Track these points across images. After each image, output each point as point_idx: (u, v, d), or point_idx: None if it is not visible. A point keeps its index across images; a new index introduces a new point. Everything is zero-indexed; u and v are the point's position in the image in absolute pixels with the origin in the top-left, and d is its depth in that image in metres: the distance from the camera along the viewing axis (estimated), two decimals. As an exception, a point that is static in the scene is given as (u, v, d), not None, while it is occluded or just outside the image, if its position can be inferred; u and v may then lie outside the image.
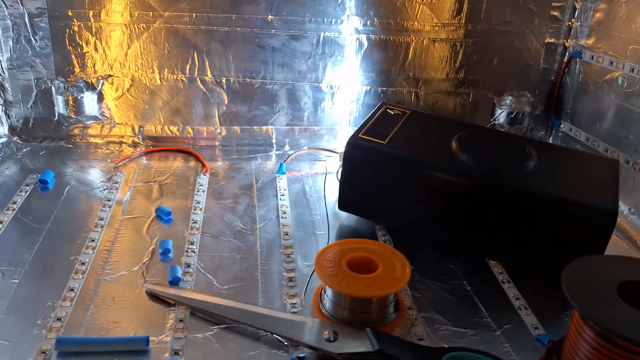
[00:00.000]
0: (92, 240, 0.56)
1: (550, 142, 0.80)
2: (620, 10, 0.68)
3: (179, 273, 0.51)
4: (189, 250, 0.55)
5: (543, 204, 0.49)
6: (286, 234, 0.59)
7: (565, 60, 0.77)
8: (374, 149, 0.53)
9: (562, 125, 0.79)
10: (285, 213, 0.63)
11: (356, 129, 0.56)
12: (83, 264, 0.52)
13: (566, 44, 0.77)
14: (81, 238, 0.56)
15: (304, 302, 0.48)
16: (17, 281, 0.50)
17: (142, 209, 0.62)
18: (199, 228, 0.59)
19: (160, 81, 0.72)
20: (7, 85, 0.71)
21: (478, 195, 0.51)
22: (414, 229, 0.57)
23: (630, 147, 0.65)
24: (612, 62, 0.69)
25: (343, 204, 0.60)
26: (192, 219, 0.61)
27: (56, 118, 0.73)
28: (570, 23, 0.76)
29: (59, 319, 0.45)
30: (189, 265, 0.53)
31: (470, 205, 0.52)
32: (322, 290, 0.47)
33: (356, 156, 0.54)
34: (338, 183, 0.59)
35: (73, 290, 0.49)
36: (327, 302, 0.46)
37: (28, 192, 0.64)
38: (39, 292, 0.48)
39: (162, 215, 0.60)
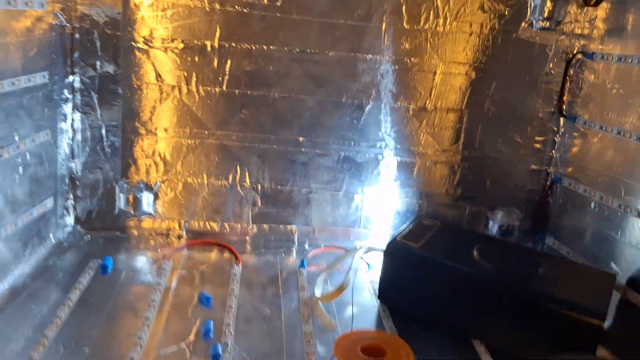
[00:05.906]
0: (147, 319, 0.67)
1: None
2: (592, 147, 0.82)
3: (220, 350, 0.62)
4: (227, 332, 0.66)
5: (545, 302, 0.61)
6: (307, 321, 0.70)
7: (548, 184, 0.91)
8: (409, 251, 0.69)
9: (547, 239, 0.91)
10: (305, 303, 0.74)
11: (396, 234, 0.73)
12: (140, 338, 0.63)
13: (548, 170, 0.91)
14: (138, 316, 0.67)
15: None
16: (87, 351, 0.61)
17: (186, 294, 0.73)
18: (234, 313, 0.70)
19: (207, 186, 0.87)
20: (78, 183, 0.86)
21: (492, 293, 0.64)
22: (432, 318, 0.69)
23: (606, 265, 0.75)
24: (585, 190, 0.82)
25: (382, 294, 0.73)
26: (228, 304, 0.72)
27: (116, 212, 0.87)
28: (551, 153, 0.91)
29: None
30: (227, 345, 0.64)
31: (483, 300, 0.65)
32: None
33: (394, 256, 0.70)
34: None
35: (134, 360, 0.59)
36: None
37: (91, 275, 0.75)
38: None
39: (204, 300, 0.72)
